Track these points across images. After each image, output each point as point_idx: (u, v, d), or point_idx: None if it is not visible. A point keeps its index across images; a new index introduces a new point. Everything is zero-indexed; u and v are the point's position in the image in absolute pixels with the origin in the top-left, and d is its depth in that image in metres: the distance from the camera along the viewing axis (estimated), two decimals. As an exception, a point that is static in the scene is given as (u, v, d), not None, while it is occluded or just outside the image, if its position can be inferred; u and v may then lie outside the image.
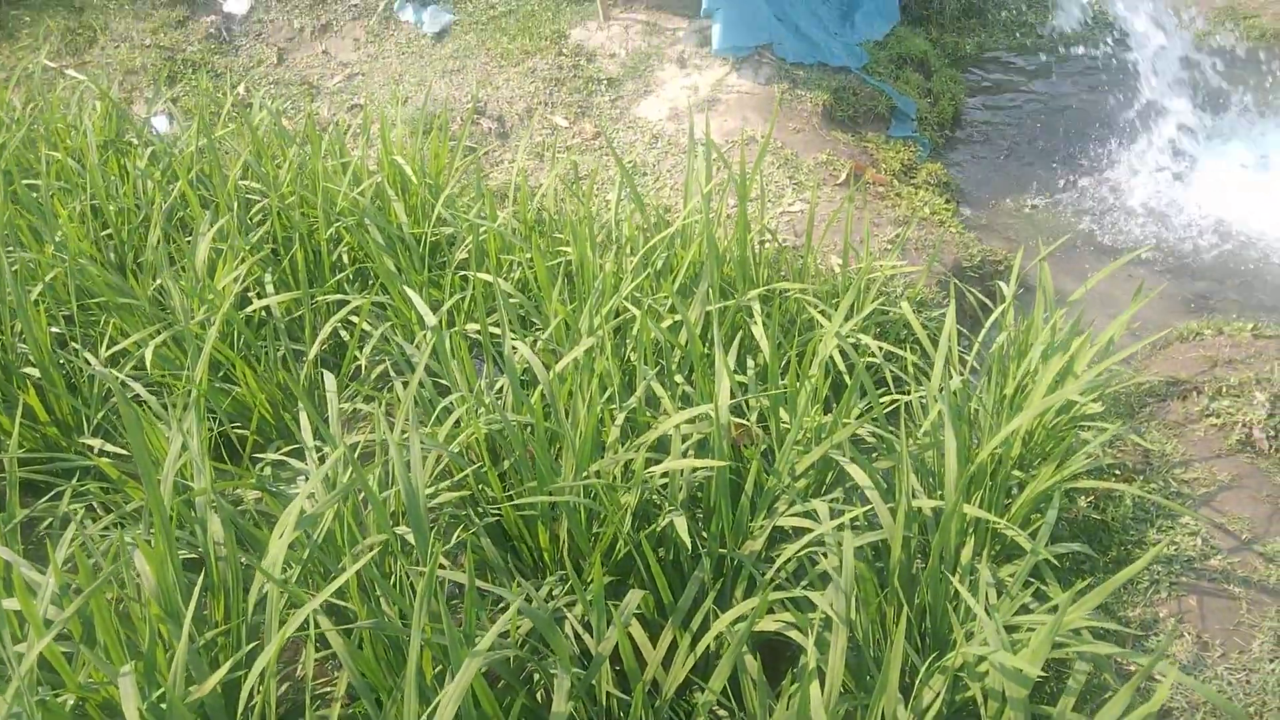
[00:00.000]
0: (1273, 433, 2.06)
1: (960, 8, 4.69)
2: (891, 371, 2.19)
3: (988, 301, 2.44)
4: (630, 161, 3.24)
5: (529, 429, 1.83)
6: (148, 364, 2.14)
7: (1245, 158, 3.48)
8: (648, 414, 1.92)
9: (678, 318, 2.16)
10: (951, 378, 1.94)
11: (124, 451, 2.14)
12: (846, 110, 3.55)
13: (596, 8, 3.80)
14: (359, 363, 2.35)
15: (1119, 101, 3.64)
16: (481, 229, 2.46)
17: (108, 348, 2.29)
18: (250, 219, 2.74)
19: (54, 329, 2.39)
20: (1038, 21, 4.71)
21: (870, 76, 3.73)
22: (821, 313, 2.34)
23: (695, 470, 1.73)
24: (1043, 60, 4.39)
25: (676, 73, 3.56)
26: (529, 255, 2.45)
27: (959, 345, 2.31)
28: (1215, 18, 4.75)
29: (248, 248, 2.53)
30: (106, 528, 1.87)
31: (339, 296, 2.43)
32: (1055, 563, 1.73)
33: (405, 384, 2.20)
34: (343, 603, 1.67)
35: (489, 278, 2.29)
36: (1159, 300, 2.95)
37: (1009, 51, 4.55)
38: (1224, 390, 2.19)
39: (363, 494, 1.71)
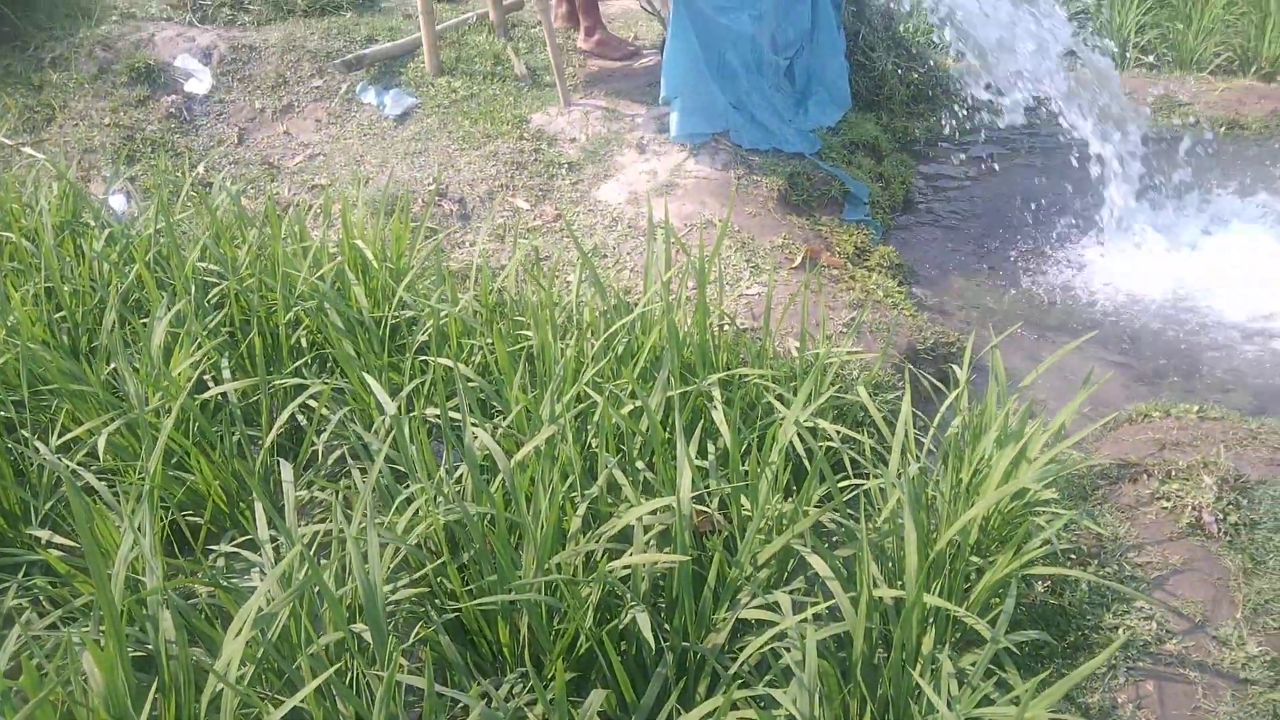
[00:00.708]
0: (1221, 516, 2.11)
1: (910, 94, 4.86)
2: (850, 455, 2.21)
3: (941, 386, 2.48)
4: (591, 244, 3.28)
5: (489, 519, 1.82)
6: (100, 453, 2.10)
7: (1186, 238, 3.61)
8: (609, 502, 1.92)
9: (639, 403, 2.17)
10: (909, 464, 1.97)
11: (73, 543, 2.08)
12: (801, 195, 3.63)
13: (557, 93, 3.88)
14: (316, 447, 2.33)
15: (1062, 185, 3.77)
16: (442, 313, 2.47)
17: (59, 435, 2.24)
18: (208, 302, 2.73)
19: (3, 414, 2.34)
20: (984, 107, 4.88)
21: (824, 162, 3.83)
22: (780, 397, 2.37)
23: (657, 563, 1.73)
24: (989, 145, 4.55)
25: (636, 157, 3.63)
26: (490, 340, 2.46)
27: (915, 427, 2.35)
28: (1154, 105, 4.97)
29: (205, 332, 2.52)
30: (54, 624, 1.82)
31: (297, 381, 2.41)
32: (1015, 650, 1.74)
33: (363, 470, 2.19)
34: (299, 704, 1.63)
35: (449, 363, 2.29)
36: (1108, 374, 3.03)
37: (958, 136, 4.71)
38: (1173, 473, 2.24)
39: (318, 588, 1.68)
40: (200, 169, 3.88)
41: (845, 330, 2.82)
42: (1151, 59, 5.49)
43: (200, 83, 4.20)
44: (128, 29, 4.41)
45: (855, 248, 3.47)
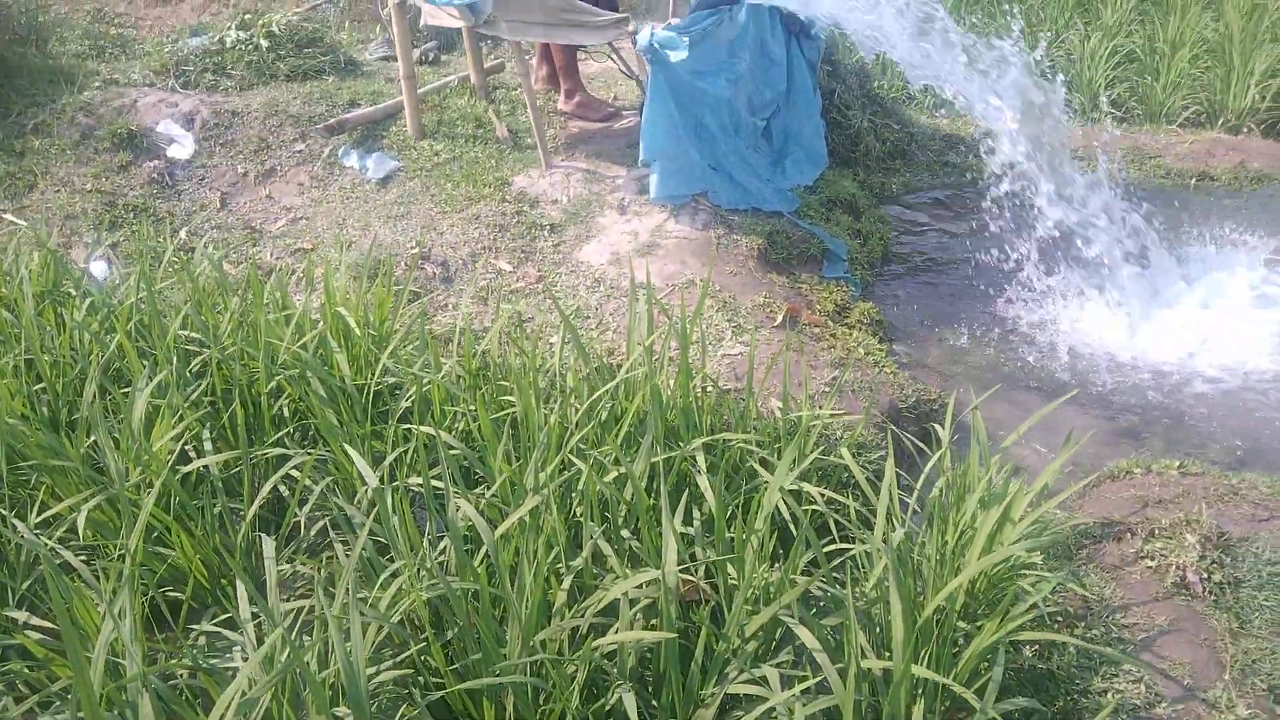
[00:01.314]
0: (1205, 575, 2.11)
1: (885, 150, 4.93)
2: (835, 519, 2.21)
3: (924, 447, 2.49)
4: (574, 306, 3.29)
5: (473, 594, 1.81)
6: (80, 530, 2.07)
7: (1163, 293, 3.66)
8: (595, 573, 1.91)
9: (624, 470, 2.17)
10: (894, 529, 1.97)
11: (52, 625, 2.05)
12: (781, 253, 3.67)
13: (539, 156, 3.92)
14: (299, 519, 2.31)
15: (1039, 240, 3.81)
16: (425, 380, 2.47)
17: (38, 511, 2.22)
18: (190, 371, 2.72)
19: (-20, 491, 2.31)
20: (959, 162, 4.96)
21: (802, 220, 3.88)
22: (764, 461, 2.37)
23: (643, 640, 1.72)
24: (965, 200, 4.62)
25: (617, 218, 3.67)
26: (474, 406, 2.46)
27: (899, 487, 2.35)
28: (1125, 158, 5.06)
29: (186, 404, 2.51)
30: (31, 709, 1.78)
31: (279, 451, 2.40)
32: None
33: (345, 543, 2.17)
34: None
35: (432, 431, 2.29)
36: (1087, 432, 3.05)
37: (933, 191, 4.78)
38: (1156, 532, 2.24)
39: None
40: (183, 234, 3.89)
41: (827, 390, 2.84)
42: (1121, 113, 5.61)
43: (183, 148, 4.22)
44: (110, 95, 4.44)
45: (835, 305, 3.49)
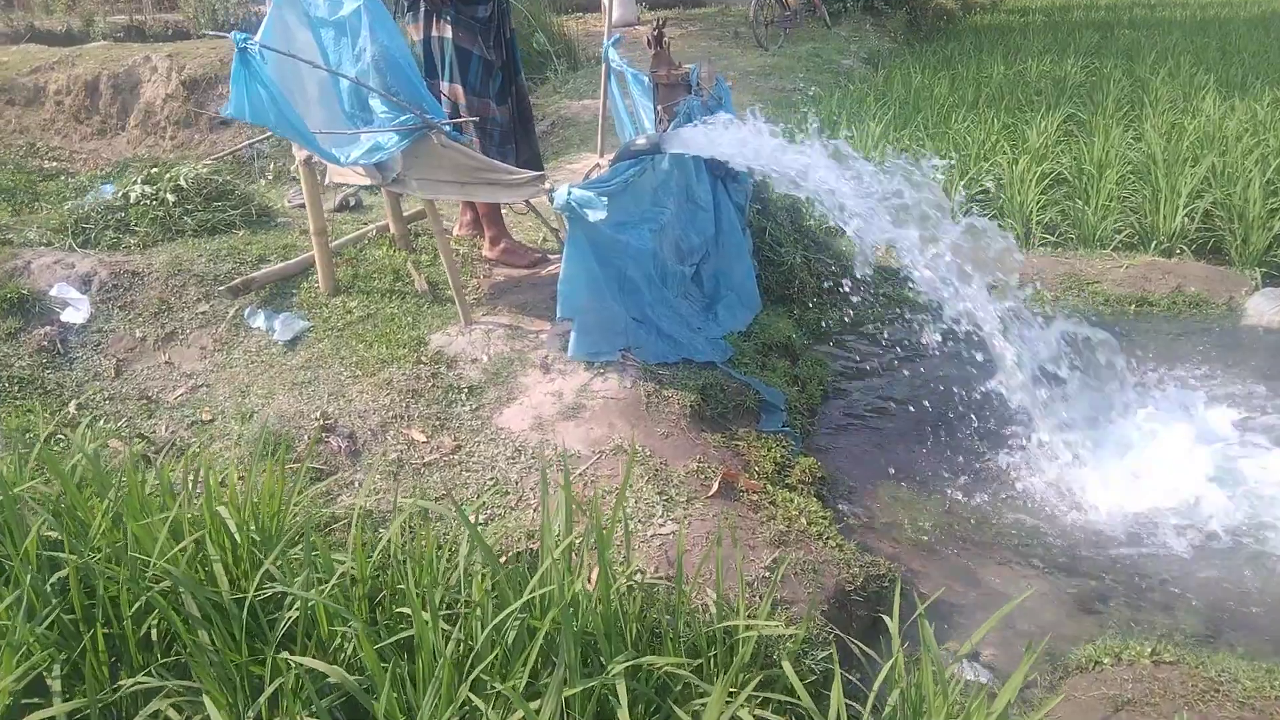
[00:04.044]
0: (1194, 800, 1.87)
1: (821, 286, 4.81)
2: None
3: (870, 653, 2.24)
4: (491, 479, 3.04)
5: None
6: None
7: (1113, 437, 3.50)
8: None
9: (535, 705, 1.89)
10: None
11: None
12: (716, 408, 3.47)
13: (458, 312, 3.71)
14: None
15: (980, 380, 3.65)
16: (309, 601, 2.18)
17: None
18: (50, 585, 2.40)
19: None
20: (895, 294, 4.85)
21: (736, 370, 3.69)
22: (698, 670, 2.11)
23: None
24: (903, 337, 4.49)
25: (540, 378, 3.45)
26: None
27: (848, 691, 2.10)
28: (1061, 286, 5.00)
29: (41, 626, 2.20)
30: None
31: (143, 683, 2.09)
32: None
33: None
34: None
35: (314, 663, 2.00)
36: (1048, 601, 2.83)
37: (872, 326, 4.65)
38: (1136, 746, 2.01)
39: None
40: (71, 407, 3.59)
41: (767, 575, 2.59)
42: (1056, 237, 5.59)
43: (78, 312, 3.95)
44: (3, 256, 4.18)
45: (775, 464, 3.28)
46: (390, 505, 2.97)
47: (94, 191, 5.33)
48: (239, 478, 2.81)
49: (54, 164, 10.71)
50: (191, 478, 2.78)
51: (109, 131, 11.11)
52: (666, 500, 2.90)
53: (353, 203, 5.30)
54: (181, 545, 2.39)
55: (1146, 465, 3.32)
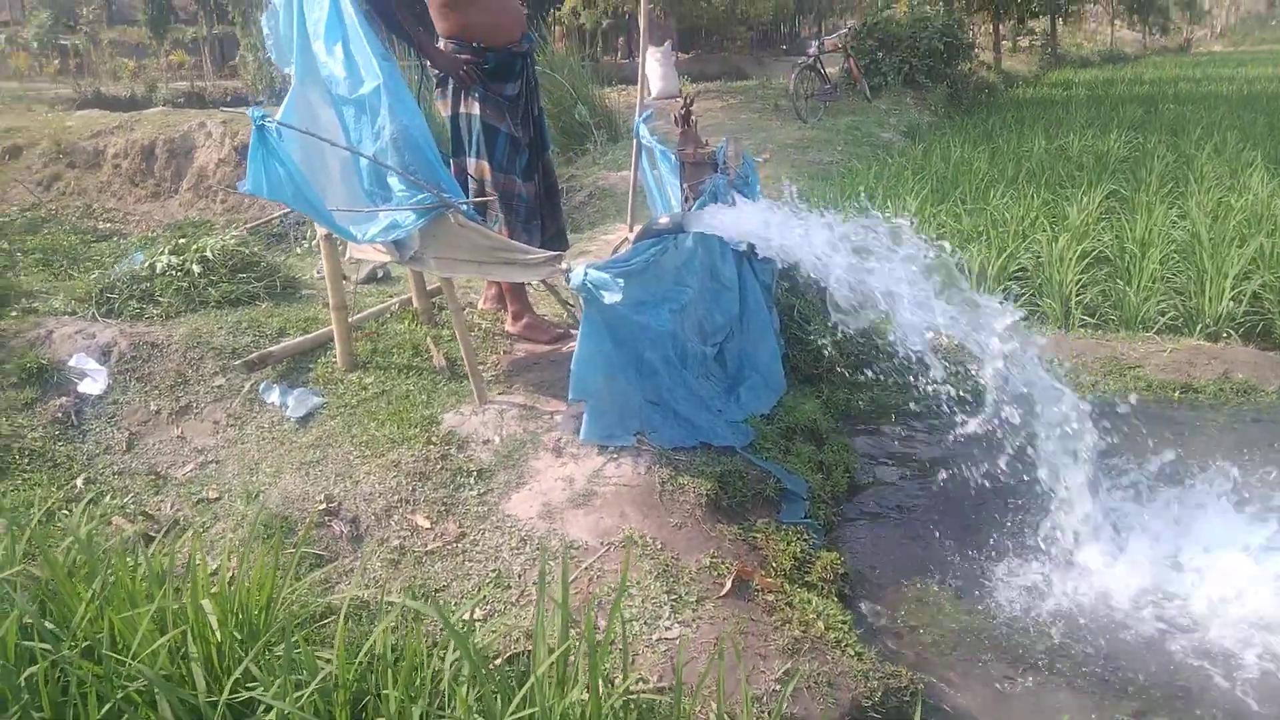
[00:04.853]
0: None
1: (850, 364, 4.67)
2: None
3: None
4: (493, 570, 2.92)
5: None
6: None
7: (1160, 539, 3.29)
8: None
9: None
10: None
11: None
12: (734, 497, 3.33)
13: (472, 390, 3.64)
14: None
15: (1019, 470, 3.47)
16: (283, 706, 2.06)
17: None
18: (28, 680, 2.31)
19: None
20: (927, 374, 4.69)
21: (757, 456, 3.56)
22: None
23: None
24: (937, 421, 4.32)
25: (552, 462, 3.34)
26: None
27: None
28: (1102, 370, 4.80)
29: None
30: None
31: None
32: None
33: None
34: None
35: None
36: (1087, 720, 2.62)
37: (902, 410, 4.49)
38: None
39: None
40: (79, 482, 3.54)
41: (778, 687, 2.43)
42: (1096, 319, 5.41)
43: (95, 383, 3.94)
44: (26, 325, 4.20)
45: (794, 560, 3.12)
46: (387, 595, 2.86)
47: (128, 259, 5.39)
48: (230, 566, 2.73)
49: (108, 225, 10.99)
50: (186, 563, 2.70)
51: (163, 194, 11.39)
52: (675, 600, 2.75)
53: (380, 274, 5.29)
54: (163, 640, 2.29)
55: (1199, 562, 3.10)
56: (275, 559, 2.63)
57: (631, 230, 5.13)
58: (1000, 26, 21.21)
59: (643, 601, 2.74)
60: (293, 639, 2.31)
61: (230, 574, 2.63)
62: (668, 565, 2.90)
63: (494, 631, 2.66)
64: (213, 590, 2.58)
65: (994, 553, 3.36)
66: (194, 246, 4.55)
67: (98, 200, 11.49)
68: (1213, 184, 7.47)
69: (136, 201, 11.62)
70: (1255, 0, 45.44)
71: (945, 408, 3.37)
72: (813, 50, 12.57)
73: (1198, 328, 5.16)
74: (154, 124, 11.56)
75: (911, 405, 4.39)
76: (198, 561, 2.54)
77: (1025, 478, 3.37)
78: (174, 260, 4.47)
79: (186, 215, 10.73)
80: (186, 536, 3.07)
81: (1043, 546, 3.34)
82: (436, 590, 2.88)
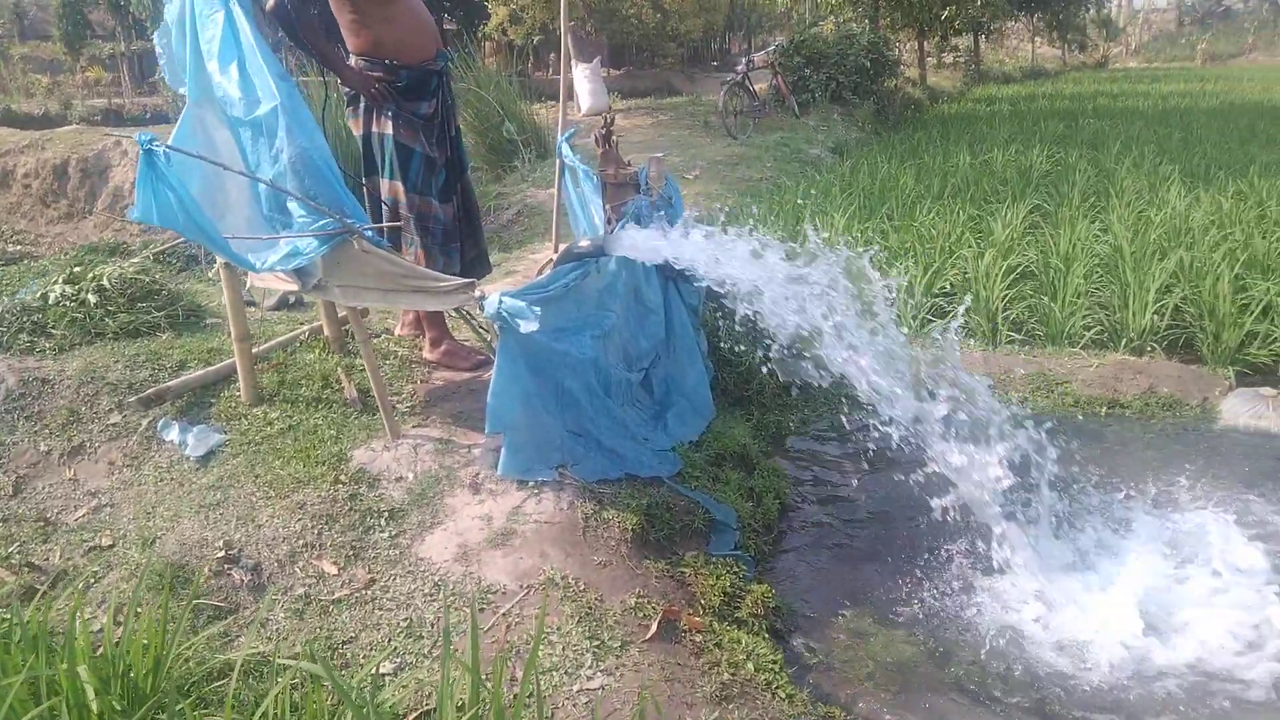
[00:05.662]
0: None
1: (780, 384, 4.59)
2: None
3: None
4: (405, 620, 2.75)
5: None
6: None
7: (1096, 565, 3.24)
8: None
9: None
10: None
11: None
12: (661, 530, 3.20)
13: (383, 423, 3.46)
14: None
15: (950, 493, 3.40)
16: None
17: None
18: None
19: None
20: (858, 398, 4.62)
21: (685, 486, 3.44)
22: None
23: None
24: (868, 443, 4.24)
25: (469, 499, 3.18)
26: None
27: None
28: (1029, 386, 4.79)
29: None
30: None
31: None
32: None
33: None
34: None
35: None
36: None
37: (833, 431, 4.42)
38: None
39: None
40: (-43, 533, 3.28)
41: (704, 737, 2.30)
42: (1023, 335, 5.41)
43: (-22, 424, 3.67)
44: (-96, 363, 3.91)
45: (724, 594, 3.00)
46: (290, 648, 2.67)
47: (26, 289, 5.09)
48: (116, 624, 2.52)
49: (17, 248, 10.49)
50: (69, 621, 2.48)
51: (76, 215, 10.90)
52: (598, 647, 2.61)
53: (292, 300, 5.07)
54: (35, 713, 2.09)
55: (1143, 594, 3.05)
56: (164, 614, 2.43)
57: (555, 253, 4.99)
58: (925, 43, 21.58)
59: (563, 649, 2.60)
60: (178, 707, 2.12)
61: (115, 633, 2.42)
62: (591, 608, 2.76)
63: (404, 687, 2.49)
64: (97, 651, 2.38)
65: (929, 579, 3.28)
66: (89, 275, 4.29)
67: (7, 222, 10.98)
68: (1132, 198, 7.59)
69: (49, 223, 11.12)
70: (1166, 19, 47.31)
71: (875, 427, 3.29)
72: (741, 67, 12.61)
73: (1122, 342, 5.19)
74: (66, 142, 11.09)
75: (844, 421, 4.31)
76: (80, 620, 2.33)
77: (957, 498, 3.30)
78: (68, 290, 4.21)
79: (101, 237, 10.30)
80: (71, 590, 2.84)
81: (978, 569, 3.27)
82: (344, 642, 2.70)
